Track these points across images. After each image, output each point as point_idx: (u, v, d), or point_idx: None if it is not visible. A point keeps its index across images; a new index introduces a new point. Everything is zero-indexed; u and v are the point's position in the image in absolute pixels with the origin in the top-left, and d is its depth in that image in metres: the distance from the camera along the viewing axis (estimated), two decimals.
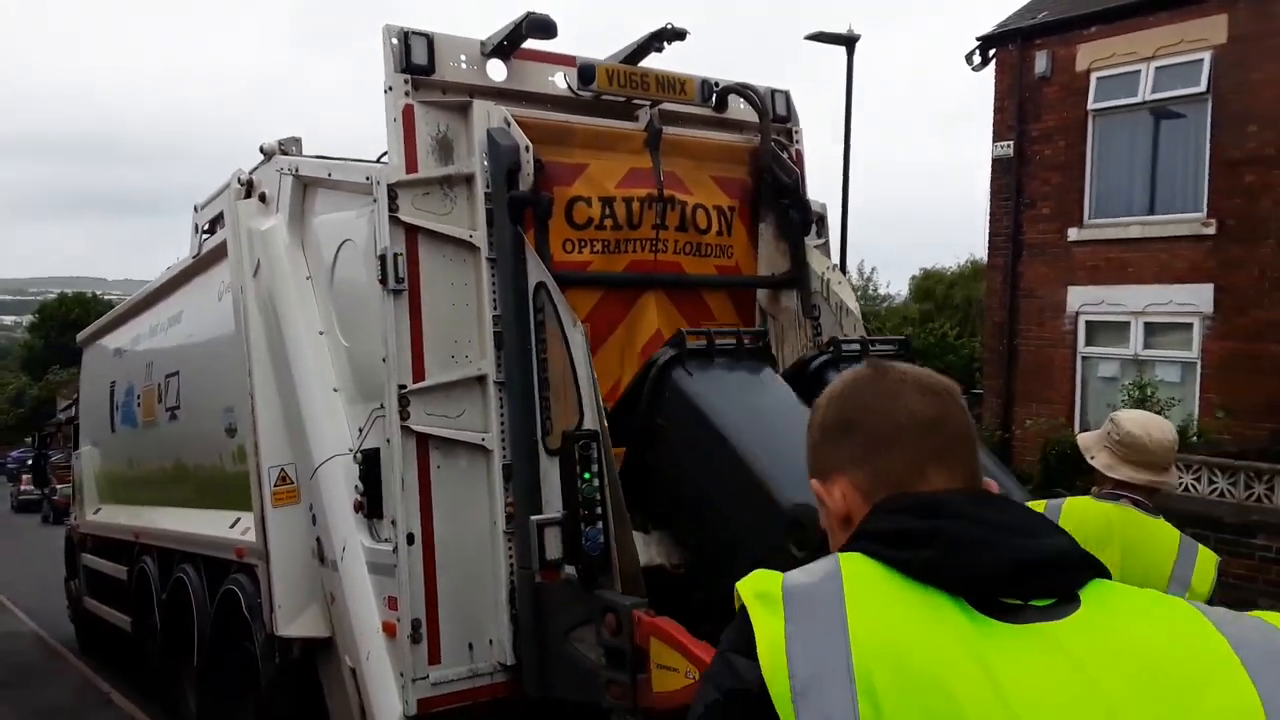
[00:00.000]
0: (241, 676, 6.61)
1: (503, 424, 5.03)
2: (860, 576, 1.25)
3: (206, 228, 7.38)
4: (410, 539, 4.90)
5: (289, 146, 6.46)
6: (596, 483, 4.45)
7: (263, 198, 6.49)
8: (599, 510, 4.44)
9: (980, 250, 18.10)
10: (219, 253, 6.95)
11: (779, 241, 5.99)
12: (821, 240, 6.26)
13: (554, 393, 4.81)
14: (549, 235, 5.14)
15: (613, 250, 5.51)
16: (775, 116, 6.21)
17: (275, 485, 6.06)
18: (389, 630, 5.00)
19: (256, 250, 6.31)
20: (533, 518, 4.53)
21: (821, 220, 6.33)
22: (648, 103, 5.73)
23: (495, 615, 4.99)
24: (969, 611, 1.21)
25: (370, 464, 5.25)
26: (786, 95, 6.40)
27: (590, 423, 4.58)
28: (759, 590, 1.27)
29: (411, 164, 5.08)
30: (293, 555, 5.91)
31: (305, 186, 6.14)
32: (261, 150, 6.53)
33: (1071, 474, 11.68)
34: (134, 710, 8.31)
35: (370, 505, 5.24)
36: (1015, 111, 14.92)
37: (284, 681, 5.99)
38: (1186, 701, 1.14)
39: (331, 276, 5.93)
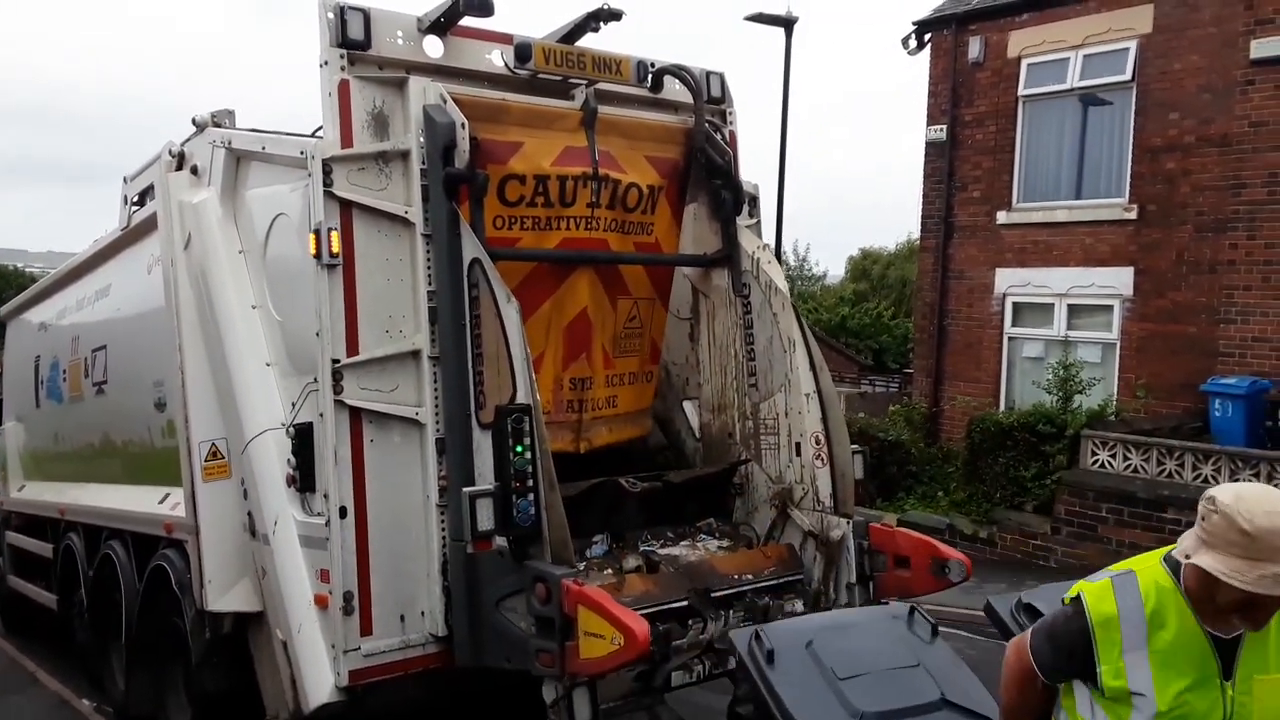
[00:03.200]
0: (171, 652, 6.57)
1: (436, 398, 5.08)
2: None
3: (136, 200, 7.26)
4: (343, 512, 4.94)
5: (222, 119, 6.39)
6: (528, 455, 4.53)
7: (194, 170, 6.41)
8: (530, 482, 4.53)
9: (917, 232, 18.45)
10: (149, 225, 6.85)
11: (711, 221, 6.09)
12: (753, 220, 6.38)
13: (487, 367, 4.87)
14: (484, 212, 5.18)
15: (544, 227, 5.57)
16: (709, 98, 6.29)
17: (206, 460, 6.02)
18: (321, 603, 5.03)
19: (188, 223, 6.24)
20: (465, 489, 4.60)
21: (754, 201, 6.45)
22: (584, 82, 5.77)
23: (427, 587, 5.05)
24: None
25: (303, 438, 5.26)
26: (721, 77, 6.48)
27: (523, 397, 4.65)
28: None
29: (347, 139, 5.08)
30: (223, 530, 5.89)
31: (238, 159, 6.08)
32: (194, 122, 6.44)
33: (996, 451, 12.06)
34: (61, 689, 8.17)
35: (303, 479, 5.26)
36: (949, 96, 15.18)
37: (214, 656, 5.98)
38: None
39: (264, 250, 5.90)
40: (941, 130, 15.30)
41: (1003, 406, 14.02)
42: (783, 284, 5.80)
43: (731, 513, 5.97)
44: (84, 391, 8.47)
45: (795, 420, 5.63)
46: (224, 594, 5.85)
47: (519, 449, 4.53)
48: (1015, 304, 14.48)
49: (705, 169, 6.05)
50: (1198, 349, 12.42)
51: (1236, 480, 10.04)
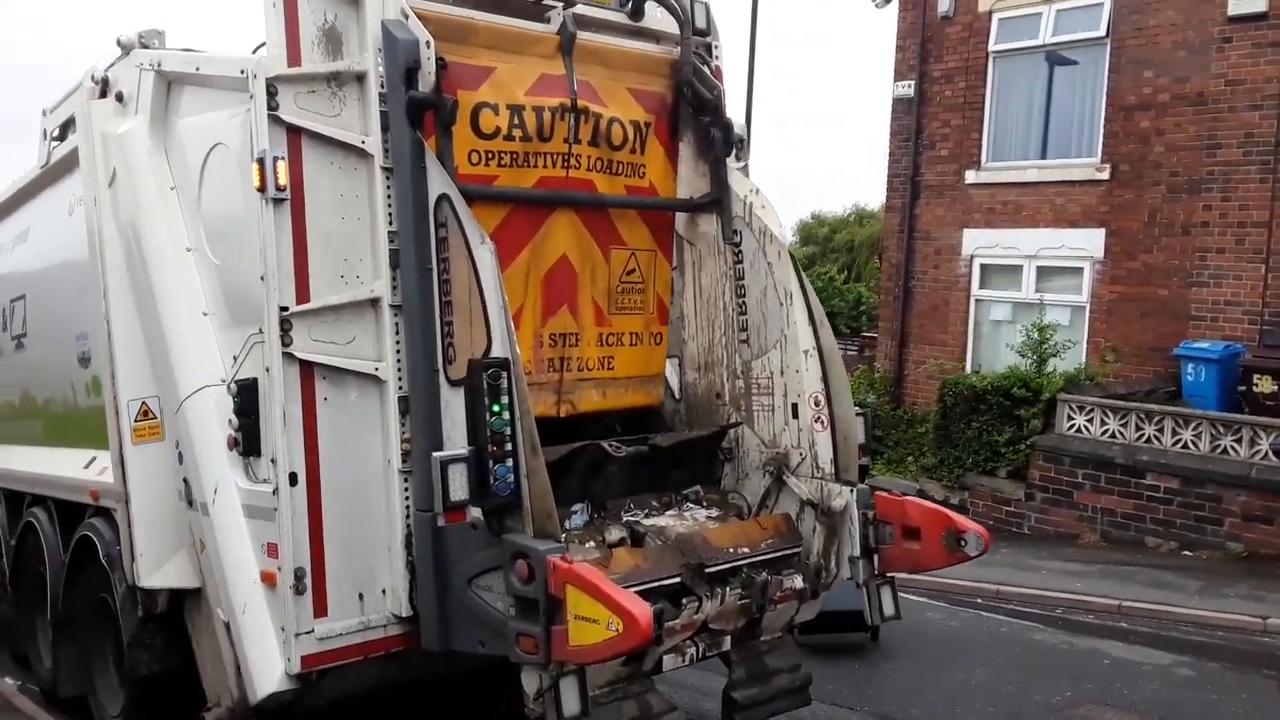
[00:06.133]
0: (100, 631, 6.04)
1: (398, 352, 4.54)
2: None
3: (56, 134, 6.56)
4: (293, 479, 4.39)
5: (150, 40, 5.69)
6: (506, 416, 4.02)
7: (120, 97, 5.72)
8: (509, 446, 4.02)
9: (865, 196, 18.14)
10: (70, 161, 6.18)
11: (698, 162, 5.58)
12: (742, 164, 5.87)
13: (457, 317, 4.33)
14: (452, 143, 4.62)
15: (521, 164, 5.02)
16: (695, 29, 5.75)
17: (135, 420, 5.41)
18: (268, 580, 4.49)
19: (112, 157, 5.57)
20: (436, 454, 4.08)
21: (742, 142, 5.93)
22: (560, 3, 5.22)
23: (389, 562, 4.54)
24: None
25: (247, 396, 4.69)
26: (706, 6, 5.93)
27: (500, 350, 4.13)
28: None
29: (294, 57, 4.48)
30: (155, 498, 5.31)
31: (169, 84, 5.42)
32: (119, 44, 5.75)
33: (968, 415, 11.77)
34: None
35: (246, 442, 4.70)
36: (917, 51, 14.77)
37: (148, 637, 5.42)
38: None
39: (200, 186, 5.27)
40: (909, 86, 14.89)
41: (969, 369, 13.76)
42: (779, 231, 5.32)
43: (719, 480, 5.51)
44: (1, 346, 7.77)
45: (792, 379, 5.17)
46: (157, 569, 5.28)
47: (496, 408, 4.01)
48: (983, 265, 14.20)
49: (692, 105, 5.53)
50: (1169, 312, 12.23)
51: (1217, 446, 9.86)
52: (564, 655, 3.73)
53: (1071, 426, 10.84)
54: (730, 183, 5.48)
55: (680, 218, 5.74)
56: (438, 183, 4.43)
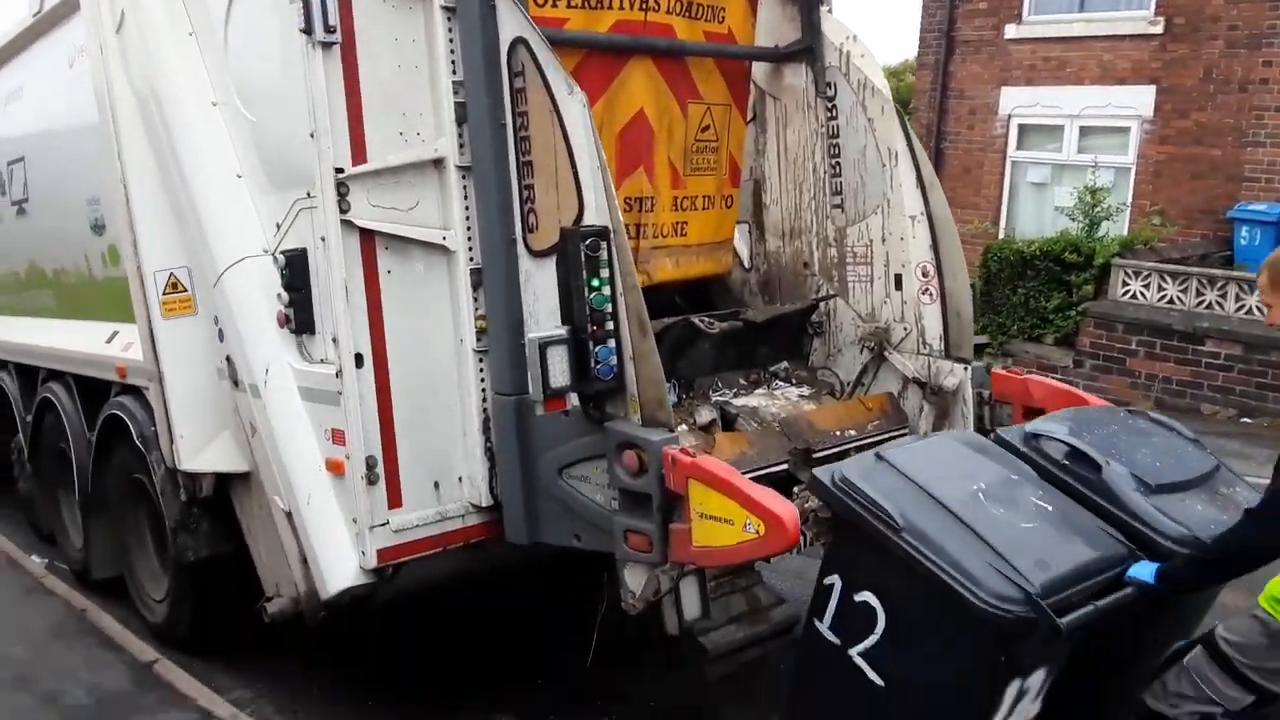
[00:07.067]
0: (136, 514, 5.73)
1: (468, 219, 4.04)
2: None
3: None
4: (359, 360, 3.96)
5: None
6: (608, 291, 3.56)
7: None
8: (610, 325, 3.58)
9: (891, 54, 17.19)
10: (68, 7, 5.50)
11: (786, 5, 4.99)
12: (828, 8, 5.25)
13: (539, 179, 3.82)
14: None
15: (595, 5, 4.44)
16: None
17: (164, 293, 4.94)
18: (335, 469, 4.11)
19: None
20: (532, 335, 3.63)
21: None
22: None
23: (465, 449, 4.15)
24: None
25: (296, 268, 4.21)
26: None
27: (596, 216, 3.64)
28: None
29: None
30: (193, 377, 4.88)
31: None
32: None
33: (1014, 281, 11.36)
34: (4, 543, 7.25)
35: (298, 319, 4.24)
36: None
37: (193, 521, 5.08)
38: None
39: (226, 30, 4.64)
40: None
41: (1001, 234, 13.26)
42: (881, 82, 4.75)
43: (808, 356, 5.10)
44: (1, 212, 7.20)
45: (895, 248, 4.70)
46: (200, 451, 4.90)
47: (595, 282, 3.55)
48: (1021, 126, 13.53)
49: None
50: (1222, 174, 11.69)
51: None
52: (686, 556, 3.38)
53: (1126, 292, 10.45)
54: (824, 29, 4.89)
55: (760, 69, 5.17)
56: (512, 24, 3.84)
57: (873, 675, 3.20)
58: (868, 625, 3.19)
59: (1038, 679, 3.22)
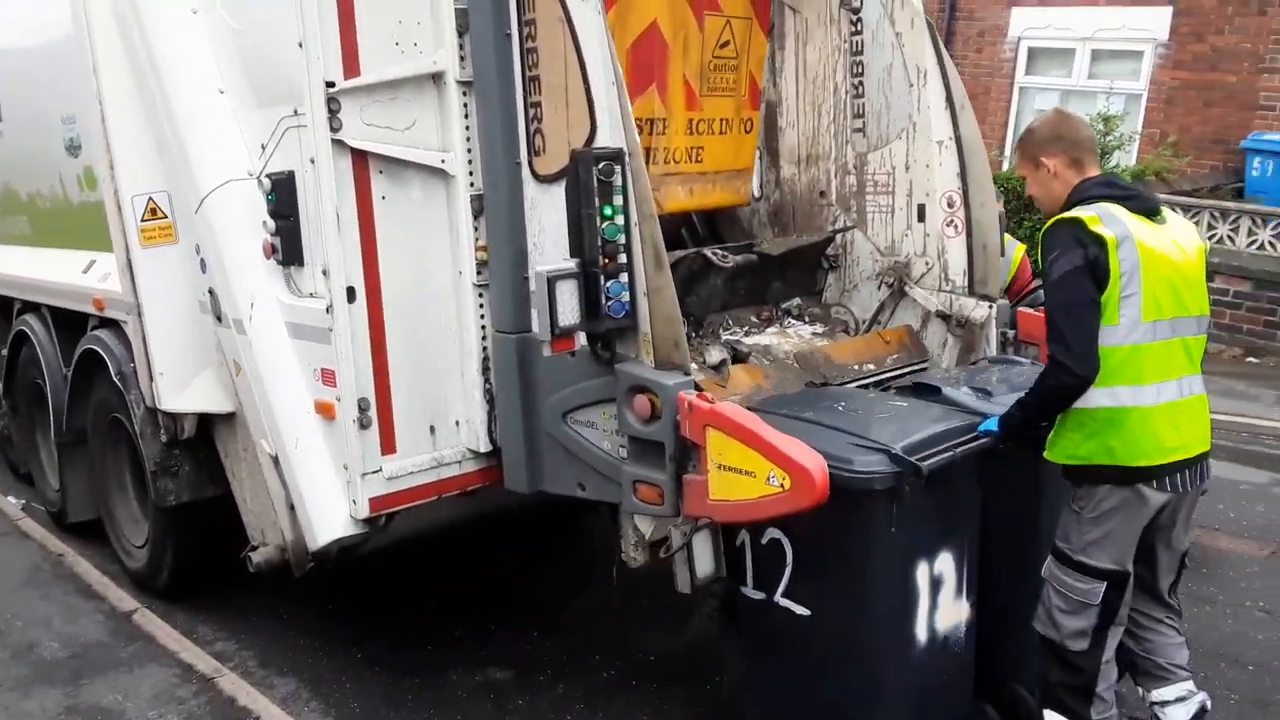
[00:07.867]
0: (116, 453, 5.50)
1: (469, 140, 3.74)
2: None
3: None
4: (350, 294, 3.67)
5: None
6: (621, 220, 3.28)
7: None
8: (623, 258, 3.31)
9: None
10: None
11: None
12: None
13: (547, 97, 3.51)
14: None
15: None
16: None
17: (143, 220, 4.63)
18: (325, 411, 3.85)
19: None
20: (540, 268, 3.36)
21: None
22: None
23: (463, 391, 3.90)
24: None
25: (283, 192, 3.91)
26: None
27: (610, 137, 3.34)
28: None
29: None
30: (174, 310, 4.60)
31: None
32: None
33: (1019, 214, 11.06)
34: None
35: (285, 249, 3.95)
36: None
37: (174, 464, 4.85)
38: None
39: None
40: None
41: (1006, 165, 12.91)
42: None
43: (821, 291, 4.85)
44: None
45: (920, 175, 4.42)
46: (181, 390, 4.64)
47: (608, 211, 3.27)
48: (1031, 49, 13.09)
49: None
50: (1235, 101, 11.34)
51: None
52: (701, 510, 3.16)
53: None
54: None
55: None
56: None
57: (799, 609, 3.32)
58: (780, 562, 3.33)
59: (947, 565, 3.32)
